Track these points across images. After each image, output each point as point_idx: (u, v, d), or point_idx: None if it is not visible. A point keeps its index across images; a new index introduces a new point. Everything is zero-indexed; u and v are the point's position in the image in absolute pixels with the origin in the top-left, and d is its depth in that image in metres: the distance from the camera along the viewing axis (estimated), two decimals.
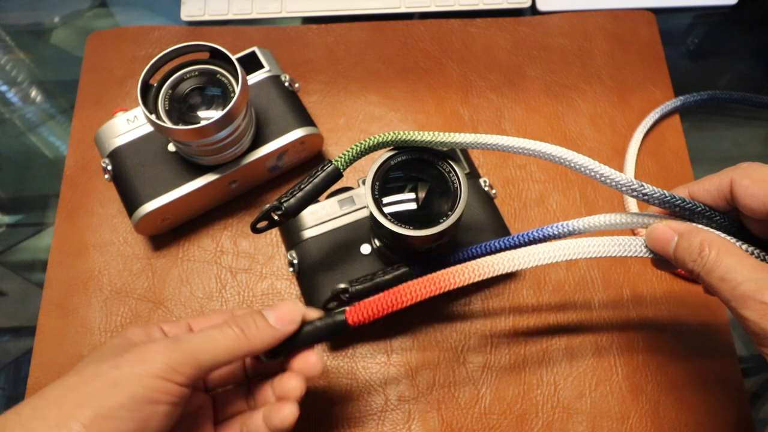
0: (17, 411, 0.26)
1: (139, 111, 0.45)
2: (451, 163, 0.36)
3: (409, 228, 0.34)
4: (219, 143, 0.41)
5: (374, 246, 0.42)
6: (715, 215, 0.32)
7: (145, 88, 0.40)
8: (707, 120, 0.57)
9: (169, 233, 0.48)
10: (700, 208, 0.32)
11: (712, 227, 0.32)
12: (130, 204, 0.44)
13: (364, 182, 0.38)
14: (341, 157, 0.36)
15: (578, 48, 0.57)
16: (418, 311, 0.46)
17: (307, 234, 0.43)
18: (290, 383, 0.33)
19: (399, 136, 0.35)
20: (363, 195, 0.44)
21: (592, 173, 0.33)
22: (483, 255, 0.36)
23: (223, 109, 0.39)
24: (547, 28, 0.58)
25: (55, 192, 0.51)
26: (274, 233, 0.49)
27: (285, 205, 0.35)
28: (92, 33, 0.57)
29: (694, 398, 0.44)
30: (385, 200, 0.36)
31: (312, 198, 0.36)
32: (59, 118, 0.56)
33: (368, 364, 0.45)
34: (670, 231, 0.31)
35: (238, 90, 0.40)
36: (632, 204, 0.50)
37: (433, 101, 0.54)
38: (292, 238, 0.44)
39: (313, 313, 0.34)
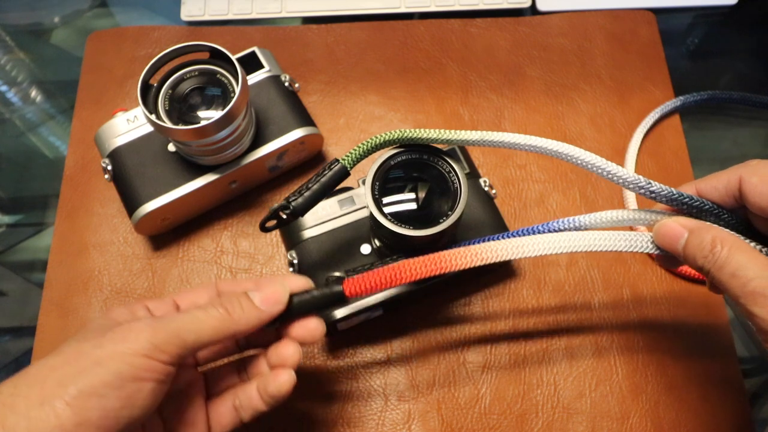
0: None
1: (139, 111, 0.45)
2: (451, 163, 0.36)
3: (409, 228, 0.34)
4: (219, 143, 0.42)
5: (374, 246, 0.42)
6: (723, 213, 0.32)
7: (145, 88, 0.40)
8: (707, 120, 0.57)
9: (169, 233, 0.48)
10: (708, 206, 0.32)
11: (719, 225, 0.32)
12: (130, 204, 0.44)
13: (364, 182, 0.38)
14: (348, 156, 0.36)
15: (578, 48, 0.57)
16: (418, 311, 0.46)
17: (307, 234, 0.43)
18: (287, 350, 0.32)
19: (405, 134, 0.35)
20: (363, 195, 0.44)
21: (600, 170, 0.33)
22: None
23: (223, 109, 0.39)
24: (547, 28, 0.58)
25: (55, 192, 0.51)
26: (274, 233, 0.49)
27: (293, 204, 0.35)
28: (92, 33, 0.57)
29: (694, 398, 0.44)
30: (385, 200, 0.36)
31: (320, 197, 0.36)
32: (59, 118, 0.56)
33: (368, 364, 0.45)
34: (680, 227, 0.31)
35: (238, 90, 0.40)
36: (632, 203, 0.50)
37: (433, 101, 0.54)
38: (292, 238, 0.44)
39: (299, 281, 0.33)
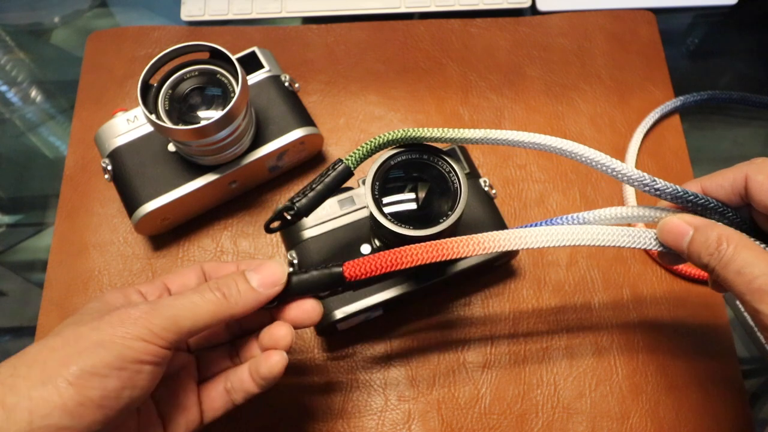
0: None
1: (139, 111, 0.45)
2: (451, 163, 0.36)
3: (409, 228, 0.34)
4: (219, 143, 0.42)
5: (374, 246, 0.42)
6: (728, 211, 0.32)
7: (145, 88, 0.40)
8: (707, 120, 0.57)
9: (169, 233, 0.48)
10: (712, 204, 0.32)
11: (724, 223, 0.32)
12: (130, 204, 0.44)
13: (364, 182, 0.38)
14: (351, 156, 0.35)
15: (578, 48, 0.57)
16: (418, 311, 0.46)
17: (307, 234, 0.43)
18: (279, 331, 0.32)
19: (408, 133, 0.35)
20: (363, 195, 0.44)
21: (604, 167, 0.33)
22: None
23: (223, 109, 0.39)
24: (547, 28, 0.58)
25: (55, 192, 0.51)
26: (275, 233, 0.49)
27: (297, 205, 0.35)
28: (92, 33, 0.57)
29: (694, 398, 0.44)
30: (385, 200, 0.36)
31: (324, 197, 0.36)
32: (59, 118, 0.56)
33: (368, 364, 0.45)
34: (685, 224, 0.31)
35: (238, 90, 0.40)
36: (632, 203, 0.50)
37: (433, 101, 0.54)
38: (292, 238, 0.44)
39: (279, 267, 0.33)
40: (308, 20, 0.59)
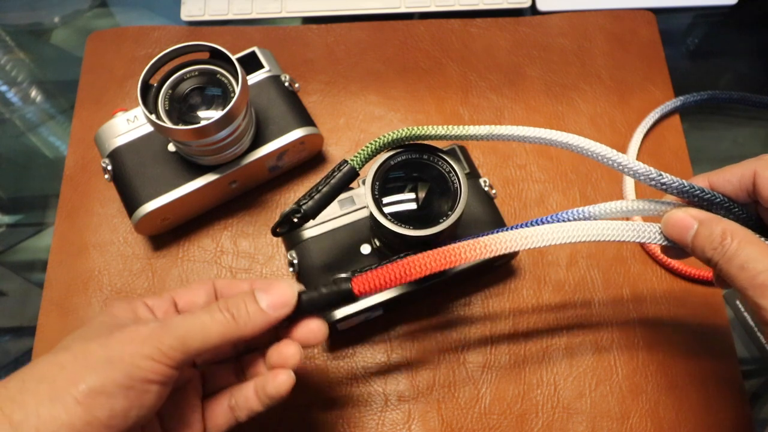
0: (4, 385, 0.26)
1: (139, 111, 0.45)
2: (451, 163, 0.36)
3: (409, 228, 0.34)
4: (219, 143, 0.41)
5: (374, 246, 0.42)
6: (734, 207, 0.32)
7: (145, 88, 0.40)
8: (707, 120, 0.57)
9: (169, 233, 0.48)
10: (719, 199, 0.32)
11: (729, 219, 0.31)
12: (130, 204, 0.44)
13: (364, 182, 0.38)
14: (356, 156, 0.35)
15: (578, 48, 0.57)
16: (418, 311, 0.46)
17: (307, 234, 0.43)
18: (288, 350, 0.32)
19: (413, 132, 0.35)
20: (363, 195, 0.44)
21: (610, 162, 0.33)
22: None
23: (223, 109, 0.39)
24: (547, 28, 0.58)
25: (55, 192, 0.51)
26: None
27: (304, 207, 0.35)
28: (92, 33, 0.57)
29: (694, 398, 0.44)
30: (385, 200, 0.36)
31: (330, 199, 0.36)
32: (59, 118, 0.56)
33: (368, 364, 0.45)
34: (690, 218, 0.31)
35: (238, 90, 0.40)
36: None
37: (433, 101, 0.54)
38: (292, 238, 0.44)
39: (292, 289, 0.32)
40: (308, 20, 0.59)
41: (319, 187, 0.35)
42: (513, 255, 0.46)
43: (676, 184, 0.31)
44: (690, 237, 0.31)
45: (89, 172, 0.51)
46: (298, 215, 0.35)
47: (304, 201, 0.35)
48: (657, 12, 0.59)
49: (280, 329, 0.33)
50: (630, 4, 0.59)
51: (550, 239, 0.32)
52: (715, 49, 0.61)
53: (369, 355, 0.45)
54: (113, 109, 0.50)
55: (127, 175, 0.44)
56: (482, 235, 0.36)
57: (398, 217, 0.35)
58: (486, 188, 0.45)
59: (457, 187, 0.35)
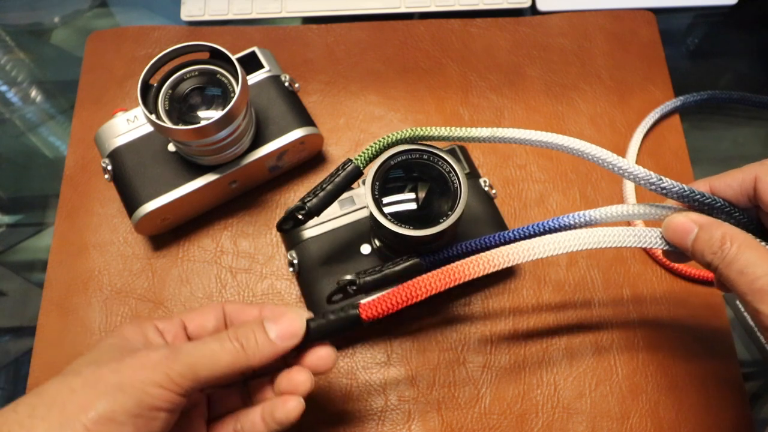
0: (14, 409, 0.26)
1: (139, 111, 0.45)
2: (451, 163, 0.36)
3: (409, 228, 0.34)
4: (219, 143, 0.42)
5: (374, 246, 0.42)
6: (735, 211, 0.32)
7: (145, 88, 0.40)
8: (707, 120, 0.57)
9: (169, 233, 0.48)
10: (719, 204, 0.32)
11: (730, 223, 0.31)
12: (130, 204, 0.44)
13: (364, 182, 0.38)
14: (360, 156, 0.36)
15: (578, 48, 0.57)
16: (418, 311, 0.46)
17: (307, 234, 0.43)
18: (299, 377, 0.32)
19: (416, 133, 0.35)
20: (363, 195, 0.44)
21: (611, 166, 0.33)
22: (498, 244, 0.36)
23: (223, 109, 0.39)
24: (547, 28, 0.58)
25: (55, 192, 0.51)
26: (274, 233, 0.49)
27: (308, 205, 0.36)
28: (92, 33, 0.57)
29: (694, 398, 0.44)
30: (385, 200, 0.36)
31: (334, 197, 0.36)
32: (59, 118, 0.56)
33: (368, 363, 0.45)
34: (690, 222, 0.31)
35: (238, 90, 0.40)
36: (632, 202, 0.50)
37: (433, 101, 0.54)
38: (292, 238, 0.44)
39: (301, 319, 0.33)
40: (308, 20, 0.59)
41: (324, 185, 0.36)
42: None
43: (676, 188, 0.31)
44: (690, 241, 0.31)
45: (89, 172, 0.51)
46: (303, 212, 0.36)
47: (309, 198, 0.36)
48: (657, 12, 0.59)
49: (289, 357, 0.33)
50: (630, 4, 0.59)
51: (554, 249, 0.32)
52: (715, 49, 0.61)
53: (369, 355, 0.45)
54: (113, 109, 0.50)
55: (127, 175, 0.44)
56: (482, 241, 0.37)
57: (398, 217, 0.35)
58: (486, 188, 0.45)
59: (457, 187, 0.35)
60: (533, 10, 0.60)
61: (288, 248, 0.44)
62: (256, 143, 0.45)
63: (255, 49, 0.48)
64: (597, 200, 0.51)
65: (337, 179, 0.36)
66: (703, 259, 0.30)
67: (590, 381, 0.44)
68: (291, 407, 0.31)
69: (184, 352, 0.29)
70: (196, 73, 0.42)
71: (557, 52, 0.57)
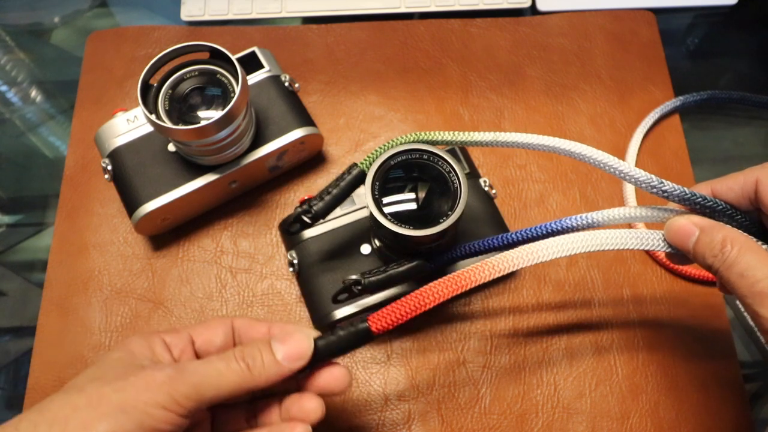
0: (15, 425, 0.26)
1: (139, 111, 0.45)
2: (451, 163, 0.36)
3: (409, 228, 0.34)
4: (219, 143, 0.42)
5: (374, 246, 0.42)
6: (737, 214, 0.32)
7: (145, 88, 0.40)
8: (707, 120, 0.57)
9: (169, 233, 0.48)
10: (721, 207, 0.32)
11: (732, 226, 0.31)
12: (130, 204, 0.44)
13: (364, 182, 0.38)
14: (366, 160, 0.37)
15: (578, 48, 0.57)
16: None
17: (307, 234, 0.43)
18: (310, 404, 0.31)
19: (420, 137, 0.36)
20: (363, 195, 0.44)
21: (612, 170, 0.33)
22: (500, 246, 0.36)
23: (223, 109, 0.39)
24: (547, 28, 0.58)
25: (55, 192, 0.51)
26: (274, 233, 0.49)
27: (315, 209, 0.37)
28: (92, 33, 0.57)
29: (694, 398, 0.44)
30: (385, 200, 0.36)
31: (340, 201, 0.38)
32: (59, 118, 0.56)
33: (368, 364, 0.45)
34: (691, 225, 0.31)
35: (238, 90, 0.40)
36: (632, 203, 0.50)
37: (433, 101, 0.54)
38: (292, 238, 0.44)
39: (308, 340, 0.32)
40: (308, 20, 0.59)
41: (330, 189, 0.37)
42: None
43: (678, 191, 0.32)
44: (691, 244, 0.31)
45: (89, 172, 0.51)
46: (309, 215, 0.37)
47: (315, 202, 0.37)
48: (657, 12, 0.59)
49: (299, 378, 0.33)
50: (630, 4, 0.59)
51: (558, 252, 0.32)
52: (715, 49, 0.61)
53: (369, 355, 0.45)
54: (113, 109, 0.50)
55: (127, 175, 0.44)
56: (486, 242, 0.37)
57: (398, 217, 0.35)
58: (486, 188, 0.45)
59: (457, 187, 0.35)
60: (533, 10, 0.60)
61: (288, 248, 0.44)
62: (256, 143, 0.45)
63: (255, 49, 0.48)
64: (597, 200, 0.51)
65: (343, 183, 0.37)
66: (704, 261, 0.30)
67: (590, 381, 0.44)
68: None
69: (189, 371, 0.28)
70: (196, 73, 0.42)
71: (557, 52, 0.57)
